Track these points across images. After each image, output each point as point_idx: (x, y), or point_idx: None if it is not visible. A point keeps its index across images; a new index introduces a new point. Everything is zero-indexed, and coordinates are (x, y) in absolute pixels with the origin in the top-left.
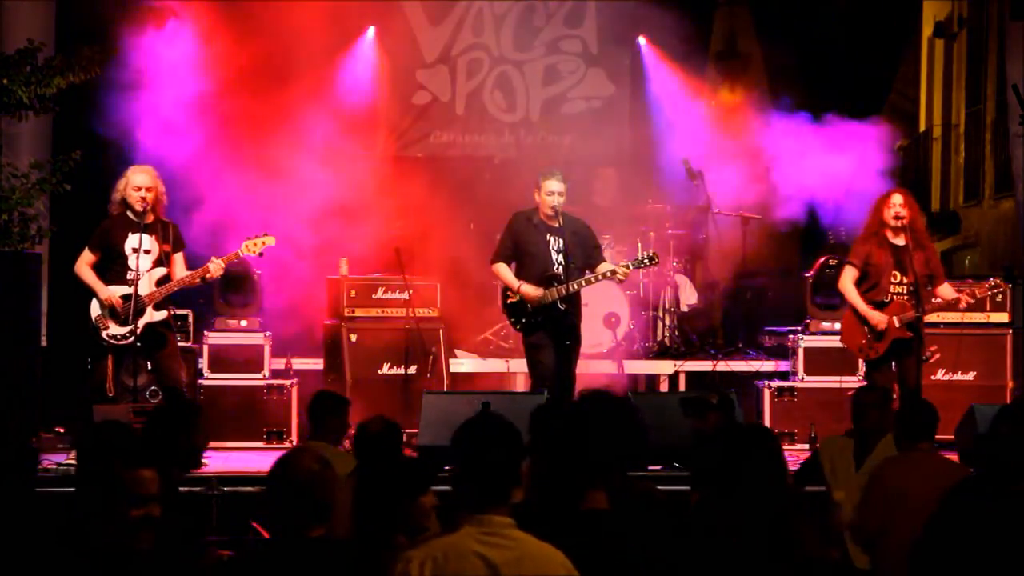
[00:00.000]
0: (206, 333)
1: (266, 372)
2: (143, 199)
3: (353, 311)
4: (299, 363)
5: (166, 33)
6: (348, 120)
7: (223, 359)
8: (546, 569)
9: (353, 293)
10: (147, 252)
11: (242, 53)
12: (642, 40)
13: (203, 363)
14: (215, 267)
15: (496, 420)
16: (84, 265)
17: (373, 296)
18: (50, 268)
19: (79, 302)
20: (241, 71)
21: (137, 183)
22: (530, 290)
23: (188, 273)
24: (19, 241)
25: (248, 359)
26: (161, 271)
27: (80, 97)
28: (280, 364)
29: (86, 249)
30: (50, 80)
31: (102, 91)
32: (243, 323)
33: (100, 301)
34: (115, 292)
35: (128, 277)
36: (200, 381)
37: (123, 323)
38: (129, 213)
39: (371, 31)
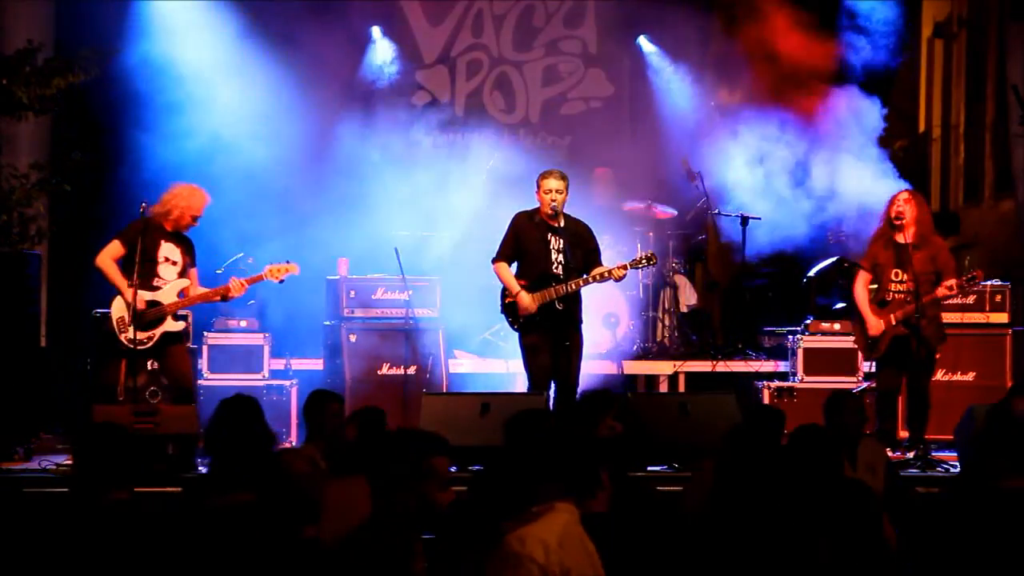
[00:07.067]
0: (206, 333)
1: (265, 372)
2: (195, 219)
3: (352, 312)
4: (298, 363)
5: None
6: (347, 119)
7: (222, 359)
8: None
9: (352, 294)
10: (174, 264)
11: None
12: (642, 39)
13: (202, 363)
14: (236, 286)
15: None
16: (110, 259)
17: (372, 297)
18: (49, 268)
19: (77, 302)
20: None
21: (200, 206)
22: (525, 299)
23: (210, 289)
24: (19, 241)
25: (247, 359)
26: (184, 283)
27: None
28: (279, 364)
29: (116, 241)
30: (49, 80)
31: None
32: (242, 323)
33: (124, 303)
34: (141, 298)
35: (155, 284)
36: (199, 381)
37: (143, 329)
38: (165, 223)
39: (376, 31)
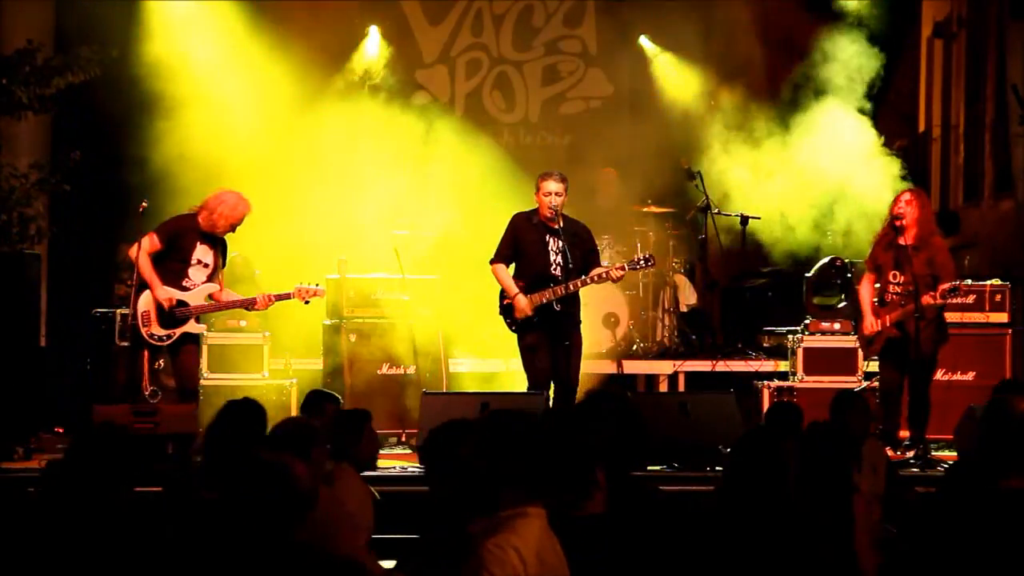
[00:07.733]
0: (206, 333)
1: (265, 372)
2: (234, 227)
3: (352, 311)
4: (298, 363)
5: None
6: (347, 118)
7: (222, 359)
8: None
9: (352, 293)
10: (206, 266)
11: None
12: (642, 39)
13: (203, 363)
14: (263, 301)
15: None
16: (146, 254)
17: (372, 296)
18: (49, 268)
19: (77, 302)
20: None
21: (243, 216)
22: (522, 302)
23: (237, 298)
24: (19, 241)
25: (247, 359)
26: (213, 287)
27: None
28: (279, 364)
29: (153, 235)
30: (49, 80)
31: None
32: (242, 323)
33: (153, 298)
34: (172, 295)
35: (184, 284)
36: (200, 381)
37: (165, 326)
38: (206, 226)
39: (376, 30)
